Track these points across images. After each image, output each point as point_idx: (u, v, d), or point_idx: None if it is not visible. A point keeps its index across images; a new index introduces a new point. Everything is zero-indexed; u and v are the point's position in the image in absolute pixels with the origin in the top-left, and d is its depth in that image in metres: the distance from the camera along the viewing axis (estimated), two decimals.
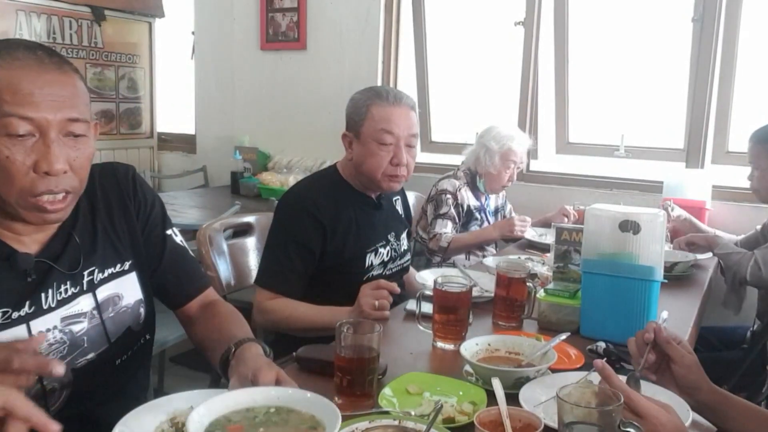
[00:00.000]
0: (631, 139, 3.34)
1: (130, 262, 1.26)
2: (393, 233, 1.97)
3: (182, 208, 3.29)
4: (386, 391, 1.18)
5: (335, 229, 1.80)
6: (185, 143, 4.68)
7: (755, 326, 2.46)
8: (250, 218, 2.17)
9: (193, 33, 4.46)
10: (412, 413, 1.09)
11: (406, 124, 1.82)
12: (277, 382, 1.03)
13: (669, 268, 2.11)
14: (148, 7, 4.48)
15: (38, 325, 1.10)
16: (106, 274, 1.21)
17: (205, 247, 1.94)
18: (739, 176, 3.00)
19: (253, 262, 2.09)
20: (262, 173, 3.90)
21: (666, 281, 1.53)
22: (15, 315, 1.08)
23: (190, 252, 1.41)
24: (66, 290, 1.14)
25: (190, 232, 2.69)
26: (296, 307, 1.73)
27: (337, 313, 1.55)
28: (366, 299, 1.55)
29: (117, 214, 1.25)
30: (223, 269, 1.97)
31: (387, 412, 1.10)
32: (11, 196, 1.04)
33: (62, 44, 3.99)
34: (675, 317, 1.65)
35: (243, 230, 2.16)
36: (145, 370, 1.38)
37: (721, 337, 2.47)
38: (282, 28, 4.04)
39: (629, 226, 1.47)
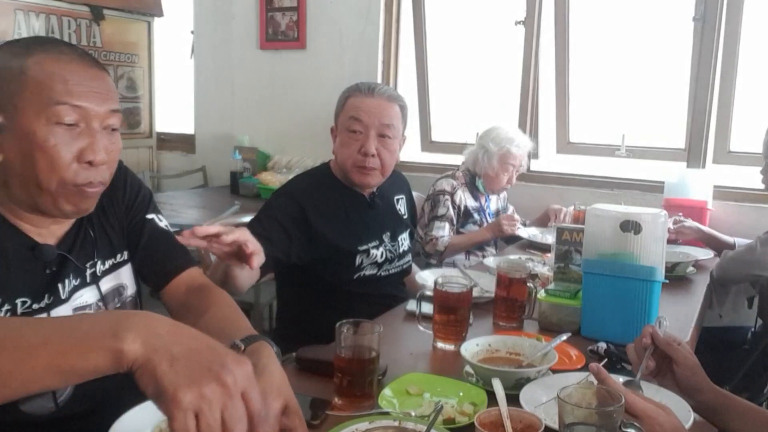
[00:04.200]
0: (632, 139, 3.34)
1: (126, 252, 1.28)
2: (388, 233, 1.94)
3: (181, 208, 3.28)
4: (386, 391, 1.17)
5: (317, 215, 1.78)
6: (184, 143, 4.67)
7: (756, 327, 2.45)
8: (249, 218, 2.15)
9: (192, 32, 4.45)
10: (413, 414, 1.09)
11: (377, 113, 1.79)
12: (286, 409, 0.93)
13: (670, 268, 2.11)
14: (147, 7, 4.47)
15: (57, 314, 1.11)
16: (107, 266, 1.23)
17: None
18: (741, 176, 3.00)
19: None
20: (262, 173, 3.89)
21: (667, 281, 1.53)
22: (35, 306, 1.09)
23: (176, 238, 1.33)
24: (70, 282, 1.16)
25: None
26: None
27: None
28: None
29: (108, 206, 1.25)
30: None
31: (387, 413, 1.09)
32: (52, 183, 1.04)
33: None
34: (676, 318, 1.65)
35: None
36: None
37: (722, 338, 2.47)
38: (281, 28, 4.04)
39: (630, 227, 1.47)
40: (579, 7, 3.39)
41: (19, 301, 1.07)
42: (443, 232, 2.78)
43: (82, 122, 1.05)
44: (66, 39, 4.00)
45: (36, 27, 3.86)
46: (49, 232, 1.14)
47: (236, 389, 0.71)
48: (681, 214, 2.72)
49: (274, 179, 3.75)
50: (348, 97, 1.84)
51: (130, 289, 1.27)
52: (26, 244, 1.10)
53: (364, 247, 1.85)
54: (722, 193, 3.02)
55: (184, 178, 4.36)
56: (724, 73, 3.07)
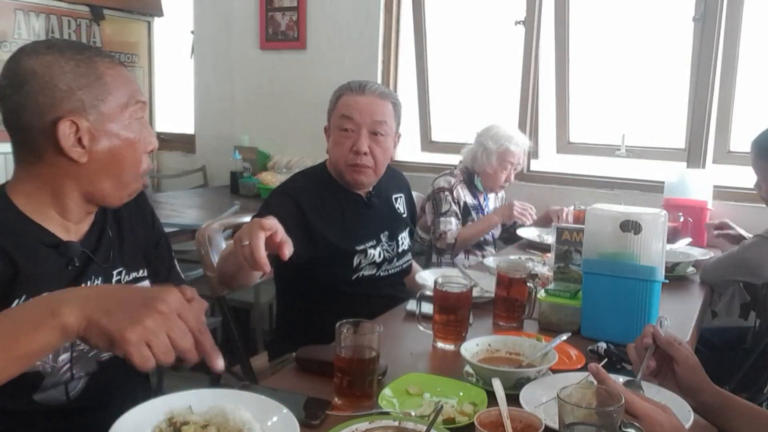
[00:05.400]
0: (632, 139, 3.34)
1: (146, 270, 1.32)
2: (386, 233, 1.92)
3: (181, 208, 3.28)
4: (386, 391, 1.17)
5: (315, 215, 1.77)
6: (184, 143, 4.67)
7: (756, 326, 2.45)
8: (249, 218, 2.15)
9: (192, 32, 4.45)
10: (413, 414, 1.09)
11: (368, 110, 1.79)
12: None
13: (670, 268, 2.11)
14: (147, 6, 4.47)
15: None
16: (131, 277, 1.27)
17: (204, 248, 1.93)
18: (741, 176, 2.99)
19: None
20: (262, 173, 3.89)
21: (667, 281, 1.53)
22: None
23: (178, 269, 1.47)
24: (94, 284, 1.20)
25: (189, 232, 2.69)
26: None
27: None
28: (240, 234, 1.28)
29: (136, 225, 1.33)
30: None
31: (387, 413, 1.09)
32: (132, 174, 1.16)
33: None
34: (676, 318, 1.64)
35: None
36: (146, 376, 1.41)
37: (722, 338, 2.47)
38: (282, 28, 4.04)
39: (630, 226, 1.47)
40: (579, 7, 3.39)
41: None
42: (450, 225, 2.80)
43: (144, 116, 1.18)
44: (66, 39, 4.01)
45: (36, 27, 3.86)
46: (73, 231, 1.18)
47: (172, 313, 0.82)
48: (680, 213, 2.72)
49: (274, 179, 3.75)
50: (340, 96, 1.84)
51: None
52: (51, 241, 1.14)
53: (362, 247, 1.84)
54: (722, 193, 3.02)
55: (184, 178, 4.36)
56: (724, 72, 3.07)
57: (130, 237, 1.30)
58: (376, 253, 1.87)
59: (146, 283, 1.31)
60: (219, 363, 0.87)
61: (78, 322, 0.80)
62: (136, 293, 0.85)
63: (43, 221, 1.14)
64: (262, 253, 1.19)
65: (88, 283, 1.18)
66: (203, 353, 0.85)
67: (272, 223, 1.24)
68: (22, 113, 1.08)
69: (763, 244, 2.08)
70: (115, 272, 1.24)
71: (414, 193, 2.23)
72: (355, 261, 1.83)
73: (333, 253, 1.79)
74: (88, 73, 1.10)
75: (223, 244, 2.00)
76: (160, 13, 4.57)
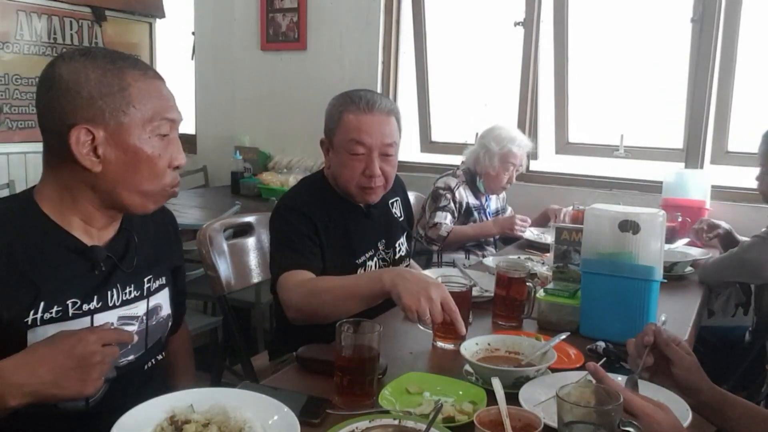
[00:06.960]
0: (630, 140, 3.35)
1: (166, 278, 1.33)
2: (383, 241, 1.88)
3: (183, 208, 3.29)
4: (386, 390, 1.18)
5: (325, 232, 1.73)
6: (185, 143, 4.59)
7: (754, 325, 2.46)
8: (250, 218, 2.17)
9: (193, 33, 4.46)
10: (412, 413, 1.10)
11: (379, 132, 1.70)
12: None
13: (668, 267, 2.12)
14: (148, 8, 4.48)
15: (100, 319, 1.16)
16: (156, 284, 1.29)
17: (205, 247, 1.93)
18: (739, 176, 3.01)
19: (253, 262, 2.09)
20: (263, 173, 3.90)
21: (665, 281, 1.54)
22: (85, 307, 1.14)
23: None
24: (130, 292, 1.22)
25: (190, 232, 2.69)
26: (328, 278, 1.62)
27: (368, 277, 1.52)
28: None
29: (162, 239, 1.36)
30: (224, 269, 1.97)
31: (387, 412, 1.10)
32: (152, 187, 1.16)
33: (63, 45, 3.99)
34: (674, 317, 1.65)
35: (243, 230, 2.16)
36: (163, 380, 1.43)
37: (720, 337, 2.48)
38: (282, 29, 4.05)
39: (629, 226, 1.48)
40: (578, 8, 3.40)
41: (69, 302, 1.12)
42: (446, 219, 2.82)
43: (170, 132, 1.16)
44: (68, 40, 4.02)
45: (38, 28, 3.87)
46: (96, 237, 1.19)
47: (103, 352, 1.01)
48: (678, 213, 2.73)
49: (274, 179, 3.76)
50: (342, 113, 1.72)
51: (164, 311, 1.32)
52: (76, 246, 1.15)
53: (361, 260, 1.80)
54: (720, 193, 3.03)
55: (185, 178, 4.36)
56: (722, 73, 3.08)
57: (156, 247, 1.31)
58: (373, 264, 1.83)
59: (167, 290, 1.32)
60: (131, 336, 1.12)
61: (24, 402, 0.98)
62: (61, 353, 0.99)
63: (68, 226, 1.15)
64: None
65: (114, 290, 1.19)
66: (122, 342, 1.09)
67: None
68: (47, 116, 1.10)
69: (763, 245, 2.09)
70: (145, 279, 1.25)
71: (414, 194, 2.23)
72: (357, 273, 1.78)
73: (334, 268, 1.73)
74: (113, 83, 1.09)
75: (224, 244, 2.01)
76: (161, 15, 4.58)
